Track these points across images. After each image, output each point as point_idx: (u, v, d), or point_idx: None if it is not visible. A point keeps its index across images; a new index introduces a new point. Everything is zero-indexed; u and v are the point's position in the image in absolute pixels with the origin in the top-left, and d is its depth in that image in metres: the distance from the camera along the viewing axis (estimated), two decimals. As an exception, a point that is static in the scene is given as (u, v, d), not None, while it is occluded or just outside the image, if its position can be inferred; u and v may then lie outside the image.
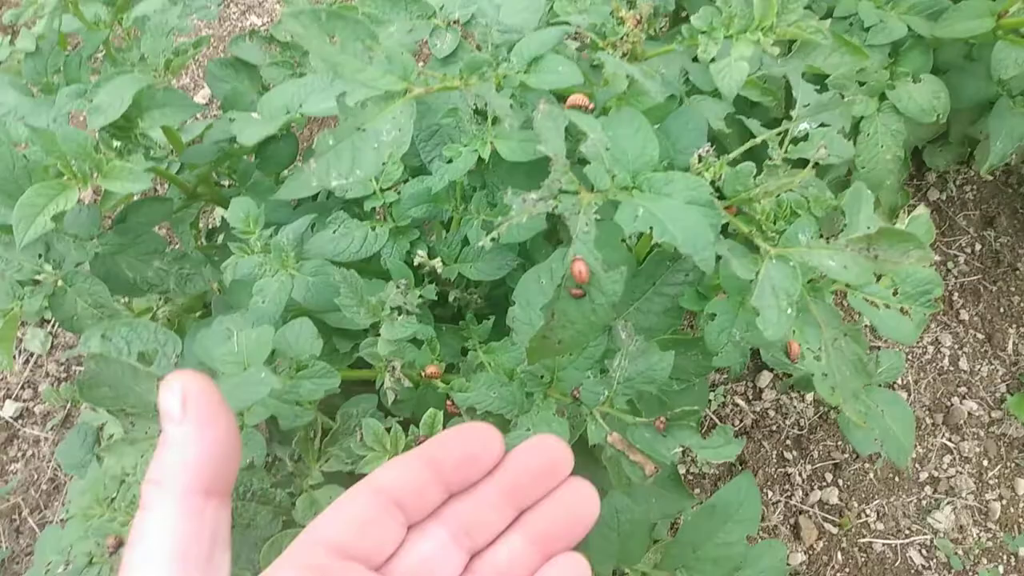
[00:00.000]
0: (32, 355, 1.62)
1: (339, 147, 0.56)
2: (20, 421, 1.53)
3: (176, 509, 0.33)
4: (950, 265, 1.53)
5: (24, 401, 1.55)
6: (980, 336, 1.47)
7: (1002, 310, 1.48)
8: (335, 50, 0.60)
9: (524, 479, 0.45)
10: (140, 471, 0.65)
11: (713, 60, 0.73)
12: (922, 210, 0.90)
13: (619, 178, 0.66)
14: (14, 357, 1.62)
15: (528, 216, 0.59)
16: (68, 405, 1.55)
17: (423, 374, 0.72)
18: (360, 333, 0.80)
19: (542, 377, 0.68)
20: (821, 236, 0.84)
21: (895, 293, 0.82)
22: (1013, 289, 1.50)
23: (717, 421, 1.38)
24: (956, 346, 1.46)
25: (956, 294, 1.51)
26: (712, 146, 0.72)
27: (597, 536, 0.72)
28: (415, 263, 0.82)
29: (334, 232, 0.82)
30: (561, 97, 0.80)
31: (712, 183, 0.72)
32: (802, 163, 1.00)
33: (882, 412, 0.87)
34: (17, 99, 0.93)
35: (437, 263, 0.83)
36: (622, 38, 0.74)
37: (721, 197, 0.75)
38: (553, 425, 0.64)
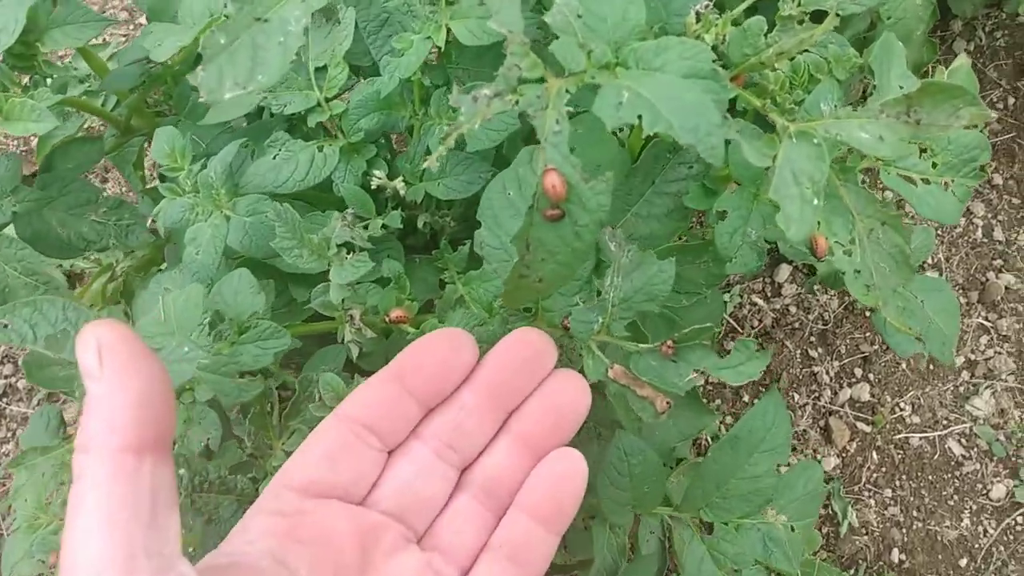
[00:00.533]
0: (8, 321, 1.54)
1: (234, 47, 0.43)
2: (5, 400, 1.46)
3: (108, 473, 0.30)
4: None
5: (5, 377, 1.47)
6: (1016, 201, 1.35)
7: (1040, 173, 1.35)
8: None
9: (505, 378, 0.43)
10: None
11: None
12: (962, 60, 0.76)
13: (597, 53, 0.53)
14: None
15: (482, 119, 0.47)
16: None
17: (388, 319, 0.62)
18: (320, 276, 0.70)
19: (526, 309, 0.58)
20: (847, 104, 0.71)
21: (935, 165, 0.70)
22: (1052, 148, 1.36)
23: (735, 324, 1.29)
24: (990, 215, 1.34)
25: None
26: (710, 3, 0.59)
27: (608, 484, 0.63)
28: (373, 186, 0.71)
29: (274, 158, 0.70)
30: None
31: (714, 49, 0.60)
32: (819, 18, 0.86)
33: (922, 303, 0.77)
34: None
35: (399, 184, 0.71)
36: None
37: (725, 66, 0.63)
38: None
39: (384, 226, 0.72)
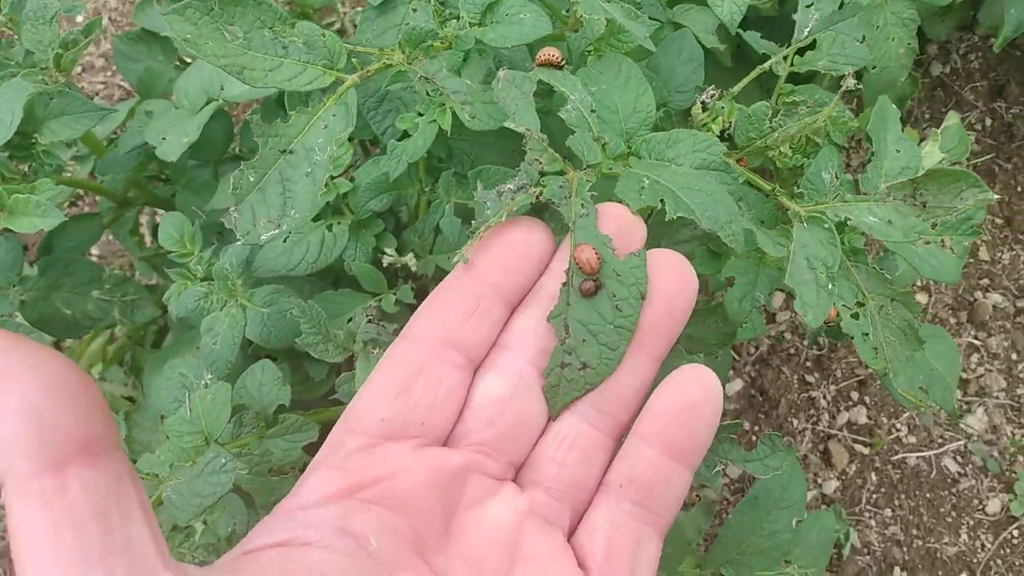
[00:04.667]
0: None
1: (264, 184, 0.44)
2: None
3: (28, 506, 0.24)
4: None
5: None
6: (999, 221, 1.38)
7: (1020, 188, 1.39)
8: (237, 48, 0.47)
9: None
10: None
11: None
12: (952, 118, 0.78)
13: (612, 145, 0.54)
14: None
15: (508, 213, 0.46)
16: None
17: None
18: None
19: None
20: (847, 169, 0.73)
21: (934, 225, 0.72)
22: (1030, 165, 1.40)
23: (733, 353, 1.31)
24: (974, 235, 1.37)
25: (969, 178, 1.40)
26: (715, 88, 0.60)
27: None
28: (384, 264, 0.71)
29: (284, 240, 0.70)
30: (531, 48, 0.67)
31: (721, 133, 0.61)
32: (810, 76, 0.87)
33: (923, 350, 0.79)
34: None
35: (410, 259, 0.72)
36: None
37: (731, 146, 0.64)
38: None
39: (396, 303, 0.72)
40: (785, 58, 0.72)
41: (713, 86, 0.59)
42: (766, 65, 0.70)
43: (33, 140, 0.75)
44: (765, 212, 0.61)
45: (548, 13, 0.59)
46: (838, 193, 0.59)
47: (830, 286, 0.54)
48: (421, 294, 0.79)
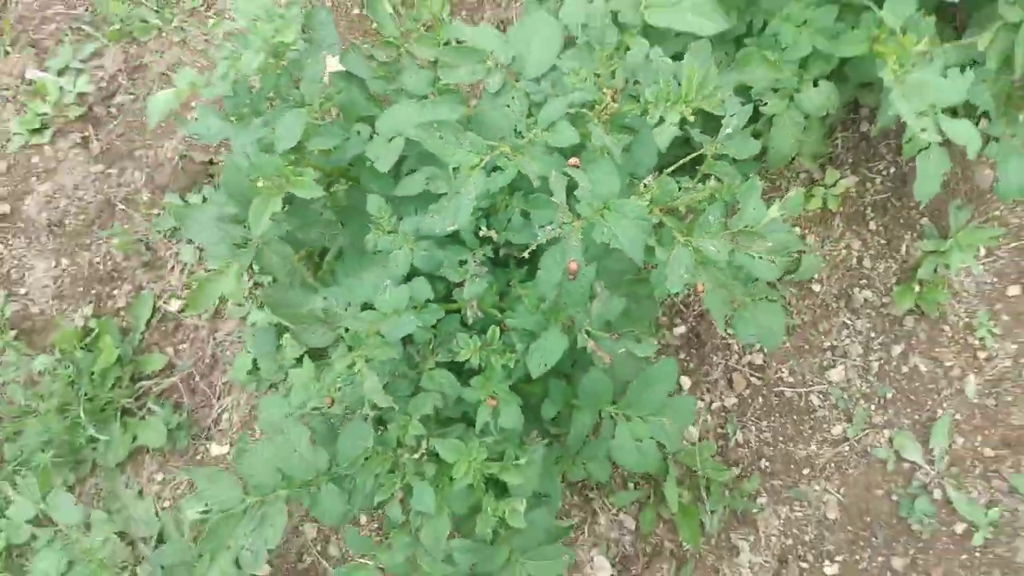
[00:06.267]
0: (185, 264, 2.22)
1: (450, 204, 1.10)
2: (182, 314, 2.16)
3: None
4: (868, 185, 2.03)
5: (183, 299, 2.16)
6: (882, 241, 1.99)
7: (902, 221, 2.00)
8: (440, 144, 1.13)
9: None
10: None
11: (658, 122, 1.23)
12: (793, 193, 1.40)
13: (596, 207, 1.19)
14: (173, 268, 2.22)
15: (547, 238, 1.13)
16: (216, 302, 2.16)
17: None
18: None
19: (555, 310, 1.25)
20: (728, 214, 1.36)
21: (764, 251, 1.35)
22: (912, 204, 2.00)
23: (683, 308, 1.96)
24: (863, 249, 1.99)
25: (869, 208, 2.02)
26: (653, 175, 1.24)
27: (583, 392, 1.31)
28: (479, 235, 1.37)
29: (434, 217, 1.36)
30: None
31: (653, 200, 1.25)
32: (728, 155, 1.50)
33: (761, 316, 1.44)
34: (221, 126, 1.45)
35: (494, 233, 1.38)
36: (604, 107, 1.23)
37: (657, 202, 1.28)
38: (559, 336, 1.22)
39: (484, 256, 1.39)
40: (713, 145, 1.35)
41: (652, 172, 1.22)
42: (701, 151, 1.33)
43: (303, 149, 1.41)
44: (669, 236, 1.26)
45: (580, 132, 1.23)
46: (717, 230, 1.24)
47: (686, 275, 1.19)
48: (496, 252, 1.45)
